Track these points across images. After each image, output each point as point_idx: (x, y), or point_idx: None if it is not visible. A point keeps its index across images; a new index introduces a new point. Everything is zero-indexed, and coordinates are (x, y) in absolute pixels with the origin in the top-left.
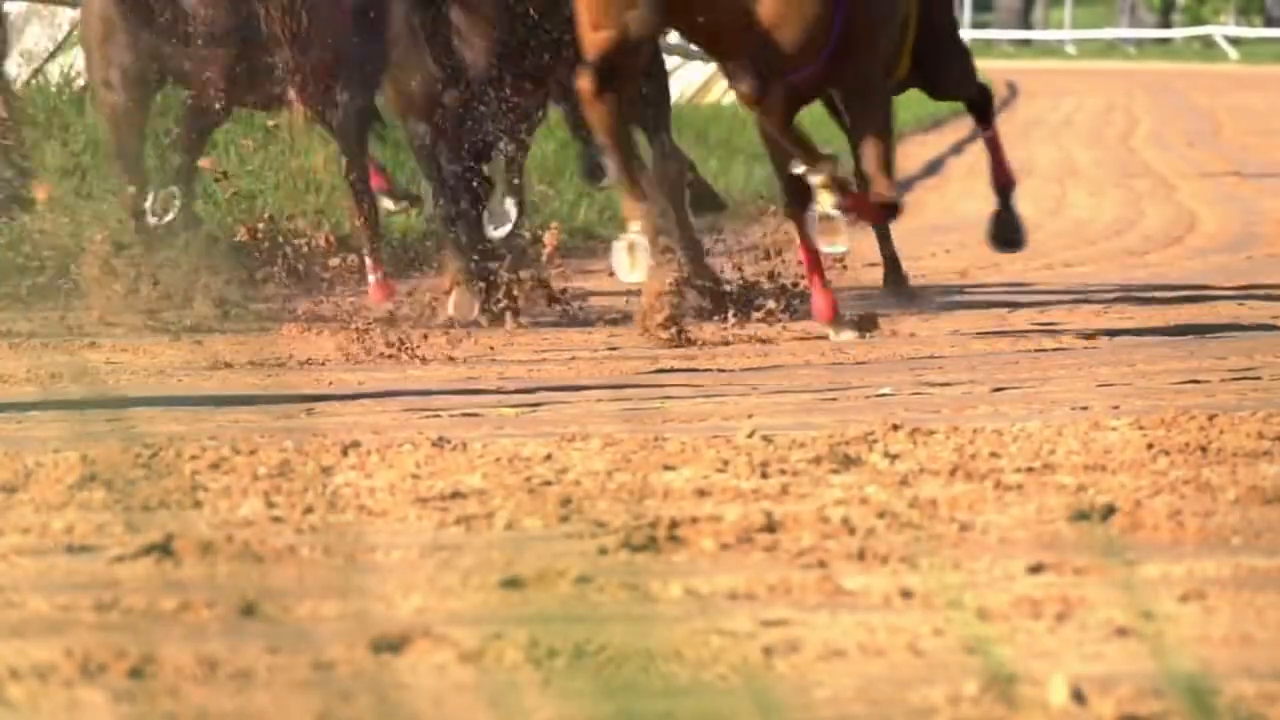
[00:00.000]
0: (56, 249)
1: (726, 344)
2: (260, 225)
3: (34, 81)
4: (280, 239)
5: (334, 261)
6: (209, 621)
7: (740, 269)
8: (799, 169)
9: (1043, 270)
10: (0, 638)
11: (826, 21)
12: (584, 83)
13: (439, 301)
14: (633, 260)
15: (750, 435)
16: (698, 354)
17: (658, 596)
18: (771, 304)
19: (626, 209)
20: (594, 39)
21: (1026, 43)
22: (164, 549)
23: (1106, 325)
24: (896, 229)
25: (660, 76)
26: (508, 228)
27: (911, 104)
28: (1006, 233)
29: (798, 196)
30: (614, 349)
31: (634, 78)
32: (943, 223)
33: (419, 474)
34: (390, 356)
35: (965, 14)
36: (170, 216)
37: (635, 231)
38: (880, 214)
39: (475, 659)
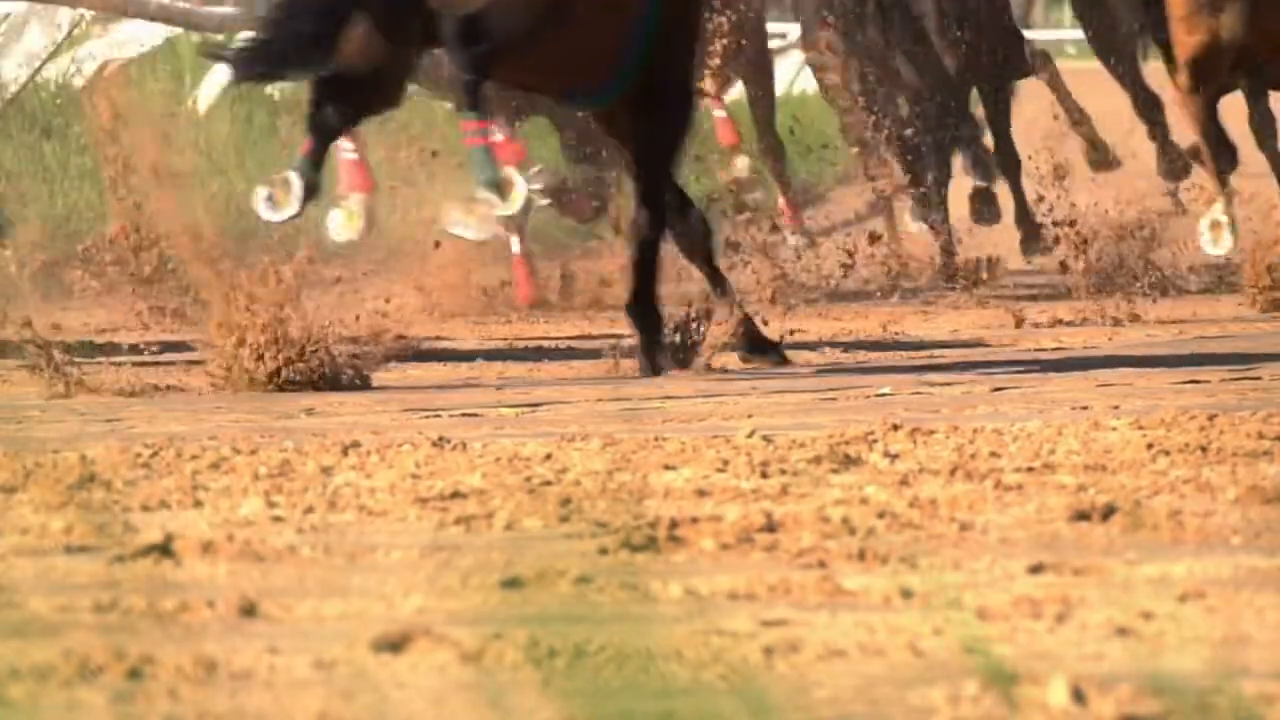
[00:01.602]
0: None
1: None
2: None
3: (35, 81)
4: None
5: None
6: (209, 621)
7: None
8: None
9: (1043, 270)
10: (0, 638)
11: None
12: (1180, 80)
13: None
14: (1218, 237)
15: (750, 435)
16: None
17: (658, 596)
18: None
19: (1214, 186)
20: (1187, 42)
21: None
22: (164, 549)
23: (1106, 326)
24: None
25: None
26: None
27: None
28: None
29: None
30: (614, 349)
31: (1223, 79)
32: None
33: (419, 474)
34: None
35: None
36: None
37: (1219, 211)
38: None
39: (475, 659)
